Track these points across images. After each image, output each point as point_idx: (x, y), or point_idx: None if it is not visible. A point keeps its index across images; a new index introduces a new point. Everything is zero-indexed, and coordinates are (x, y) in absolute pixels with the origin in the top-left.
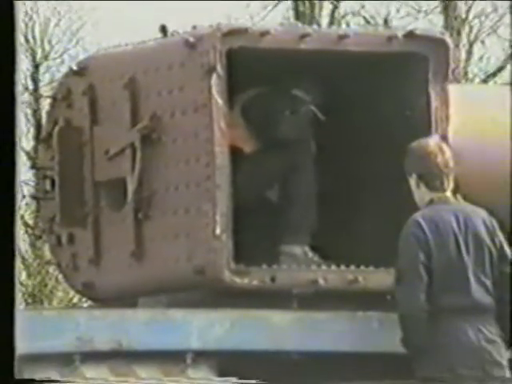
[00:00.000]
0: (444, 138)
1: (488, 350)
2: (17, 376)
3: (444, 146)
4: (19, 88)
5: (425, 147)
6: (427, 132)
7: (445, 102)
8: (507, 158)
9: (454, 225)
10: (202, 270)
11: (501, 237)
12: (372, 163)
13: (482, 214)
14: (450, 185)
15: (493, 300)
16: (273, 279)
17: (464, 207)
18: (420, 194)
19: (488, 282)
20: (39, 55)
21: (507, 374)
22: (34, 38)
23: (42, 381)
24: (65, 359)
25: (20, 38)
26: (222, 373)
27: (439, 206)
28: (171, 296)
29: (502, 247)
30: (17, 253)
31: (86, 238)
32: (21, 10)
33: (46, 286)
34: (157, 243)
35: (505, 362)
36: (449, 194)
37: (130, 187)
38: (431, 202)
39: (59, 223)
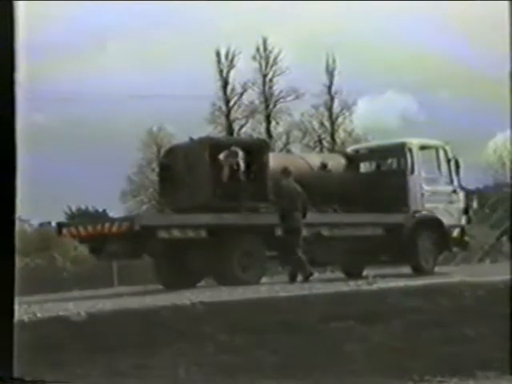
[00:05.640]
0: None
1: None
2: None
3: None
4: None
5: None
6: (264, 179)
7: (267, 160)
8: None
9: (285, 185)
10: (205, 203)
11: (302, 190)
12: None
13: (295, 184)
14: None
15: (304, 207)
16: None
17: (291, 181)
18: None
19: (301, 202)
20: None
21: (301, 233)
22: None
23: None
24: None
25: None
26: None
27: (282, 183)
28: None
29: (303, 193)
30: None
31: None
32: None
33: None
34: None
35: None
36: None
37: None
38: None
39: (166, 187)
